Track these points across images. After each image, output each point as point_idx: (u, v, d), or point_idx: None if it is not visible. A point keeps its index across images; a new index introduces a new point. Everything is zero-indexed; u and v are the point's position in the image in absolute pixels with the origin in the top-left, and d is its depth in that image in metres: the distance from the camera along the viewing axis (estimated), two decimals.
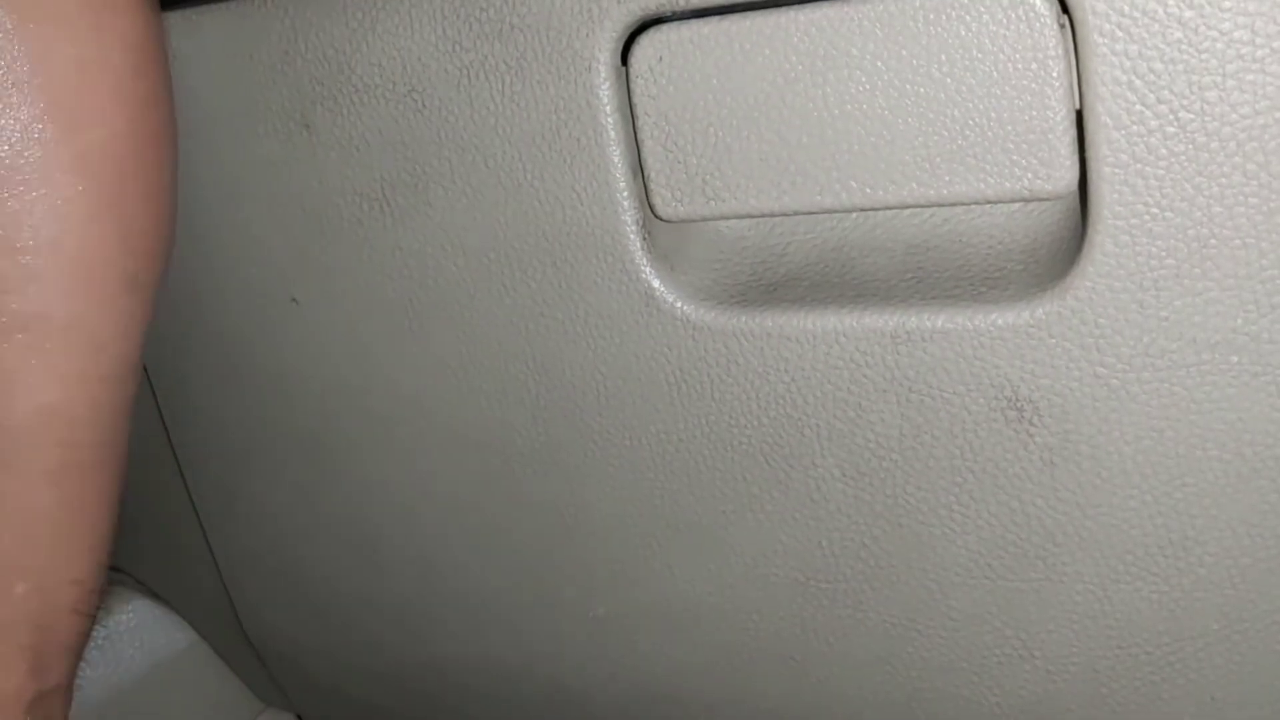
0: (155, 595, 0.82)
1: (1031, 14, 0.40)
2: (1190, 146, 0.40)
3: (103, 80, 0.44)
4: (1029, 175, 0.42)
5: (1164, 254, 0.41)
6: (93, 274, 0.45)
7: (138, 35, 0.46)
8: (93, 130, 0.44)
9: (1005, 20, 0.40)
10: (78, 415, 0.47)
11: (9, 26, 0.43)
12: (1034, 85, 0.41)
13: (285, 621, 0.74)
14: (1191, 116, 0.39)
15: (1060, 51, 0.40)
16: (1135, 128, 0.40)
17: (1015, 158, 0.42)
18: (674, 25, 0.45)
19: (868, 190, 0.44)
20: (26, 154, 0.43)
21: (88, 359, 0.46)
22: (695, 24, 0.44)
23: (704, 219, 0.48)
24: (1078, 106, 0.41)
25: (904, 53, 0.42)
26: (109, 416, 0.48)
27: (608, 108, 0.47)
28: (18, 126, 0.43)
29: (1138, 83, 0.39)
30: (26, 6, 0.43)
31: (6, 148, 0.43)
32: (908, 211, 0.48)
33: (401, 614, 0.68)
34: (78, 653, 0.52)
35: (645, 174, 0.48)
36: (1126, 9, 0.39)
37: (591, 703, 0.65)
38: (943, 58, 0.41)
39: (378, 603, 0.68)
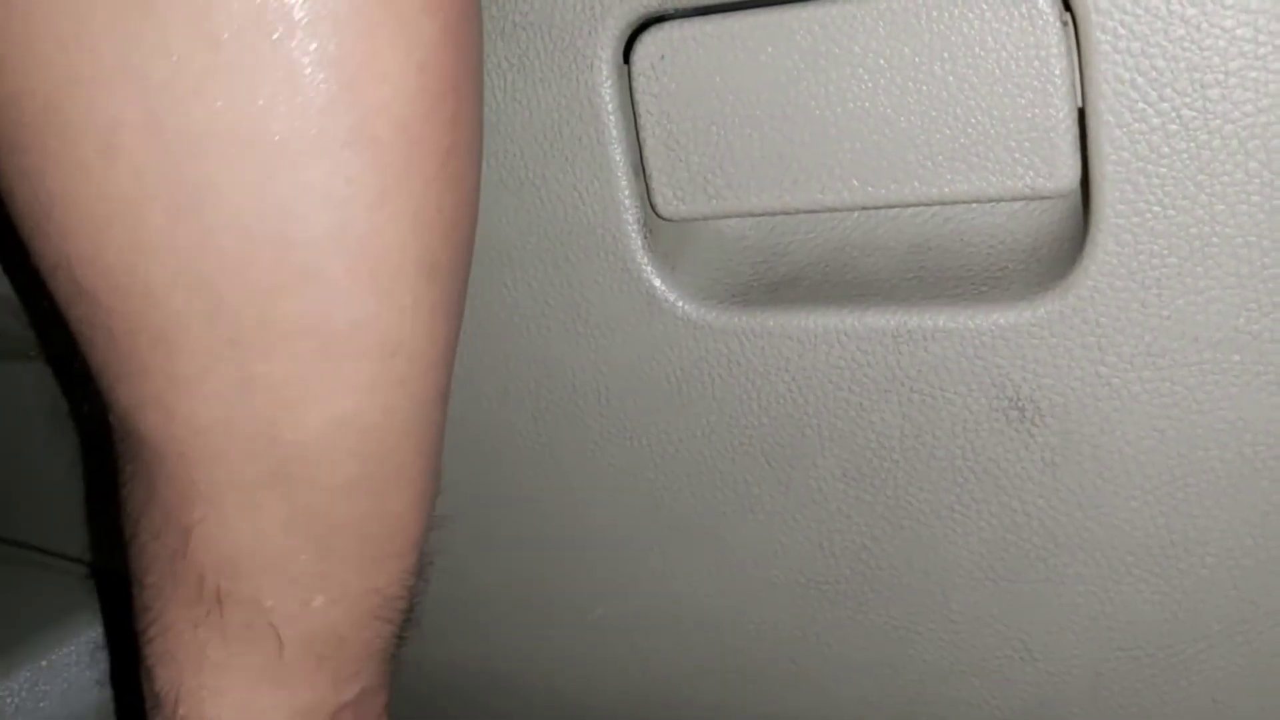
0: None
1: (1033, 11, 0.40)
2: (1192, 145, 0.40)
3: (384, 21, 0.35)
4: (1031, 174, 0.42)
5: (1166, 253, 0.41)
6: (381, 267, 0.37)
7: None
8: (375, 90, 0.35)
9: (1007, 18, 0.40)
10: (372, 424, 0.40)
11: None
12: (1036, 83, 0.41)
13: None
14: (1194, 114, 0.39)
15: (1062, 49, 0.40)
16: (1137, 126, 0.40)
17: (1017, 156, 0.42)
18: (676, 23, 0.45)
19: (869, 189, 0.44)
20: (297, 125, 0.35)
21: (380, 363, 0.39)
22: (697, 22, 0.45)
23: (705, 218, 0.48)
24: (1080, 104, 0.41)
25: (906, 50, 0.42)
26: (410, 423, 0.41)
27: (609, 106, 0.47)
28: (287, 91, 0.34)
29: (1140, 80, 0.39)
30: None
31: (278, 123, 0.34)
32: (909, 210, 0.48)
33: None
34: (383, 658, 0.47)
35: (647, 173, 0.47)
36: (1129, 6, 0.39)
37: (589, 705, 0.65)
38: (945, 55, 0.41)
39: None
